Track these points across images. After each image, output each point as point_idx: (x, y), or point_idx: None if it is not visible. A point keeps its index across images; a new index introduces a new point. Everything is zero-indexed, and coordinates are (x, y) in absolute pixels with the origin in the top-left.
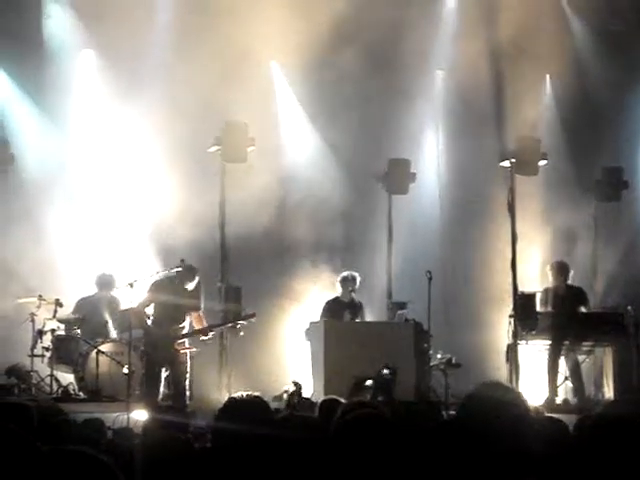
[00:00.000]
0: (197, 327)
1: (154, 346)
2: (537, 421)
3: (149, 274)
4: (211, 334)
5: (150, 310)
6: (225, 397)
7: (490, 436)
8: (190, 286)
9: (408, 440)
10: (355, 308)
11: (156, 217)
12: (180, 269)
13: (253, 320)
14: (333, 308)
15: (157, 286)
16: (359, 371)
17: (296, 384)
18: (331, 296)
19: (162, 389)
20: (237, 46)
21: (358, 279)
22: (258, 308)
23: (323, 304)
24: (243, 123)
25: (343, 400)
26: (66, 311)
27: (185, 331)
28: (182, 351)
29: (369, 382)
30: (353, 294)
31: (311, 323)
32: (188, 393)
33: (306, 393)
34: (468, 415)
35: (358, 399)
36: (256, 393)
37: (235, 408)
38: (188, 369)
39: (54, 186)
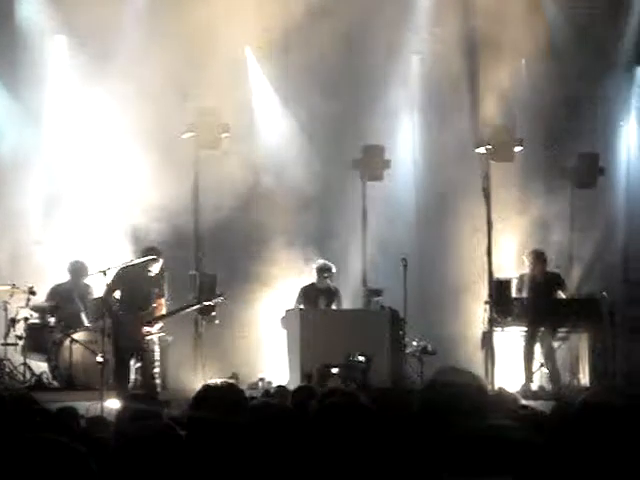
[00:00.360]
0: (158, 314)
1: (121, 333)
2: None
3: (121, 262)
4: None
5: (117, 296)
6: (200, 385)
7: (452, 418)
8: (155, 268)
9: (383, 427)
10: (330, 294)
11: (129, 205)
12: (147, 256)
13: (222, 299)
14: (308, 294)
15: (121, 273)
16: (331, 358)
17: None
18: (306, 282)
19: (133, 377)
20: (210, 31)
21: (334, 269)
22: (233, 295)
23: (298, 290)
24: (216, 109)
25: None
26: (39, 299)
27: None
28: (149, 337)
29: (335, 370)
30: (328, 280)
31: (287, 311)
32: (159, 381)
33: (282, 381)
34: (428, 401)
35: (332, 387)
36: (231, 380)
37: (210, 396)
38: (157, 356)
39: (27, 172)
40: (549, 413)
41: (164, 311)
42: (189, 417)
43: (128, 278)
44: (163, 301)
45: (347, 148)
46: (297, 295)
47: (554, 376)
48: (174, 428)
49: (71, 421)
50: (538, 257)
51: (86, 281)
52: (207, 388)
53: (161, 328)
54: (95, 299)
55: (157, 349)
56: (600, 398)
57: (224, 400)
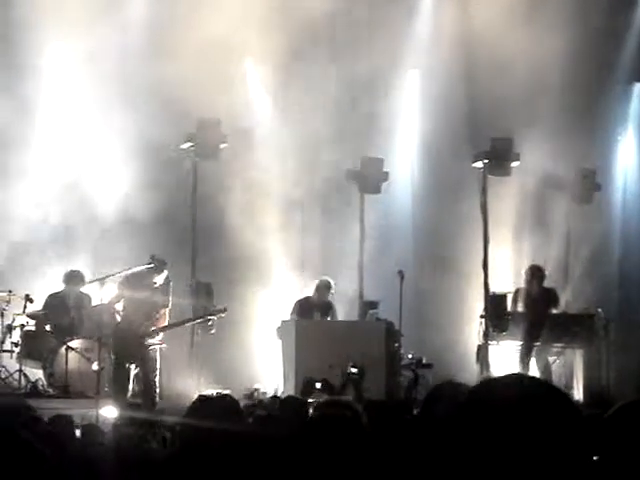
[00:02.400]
0: (161, 324)
1: (123, 342)
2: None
3: (120, 271)
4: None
5: (120, 306)
6: (195, 395)
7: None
8: (159, 279)
9: (377, 438)
10: (325, 308)
11: (127, 213)
12: (150, 265)
13: (223, 315)
14: (303, 307)
15: (127, 282)
16: (326, 370)
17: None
18: (302, 296)
19: (131, 386)
20: (210, 41)
21: (333, 286)
22: (229, 306)
23: (293, 303)
24: (216, 120)
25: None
26: (36, 307)
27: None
28: (151, 348)
29: (318, 385)
30: (326, 298)
31: (282, 322)
32: (158, 390)
33: (277, 391)
34: (427, 413)
35: (331, 398)
36: (226, 391)
37: (205, 406)
38: (157, 366)
39: (21, 174)
40: None
41: (166, 321)
42: (183, 427)
43: (132, 287)
44: (167, 311)
45: (346, 160)
46: (292, 308)
47: None
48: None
49: (66, 430)
50: (535, 273)
51: (83, 290)
52: (202, 398)
53: (162, 339)
54: (93, 307)
55: (158, 358)
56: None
57: (219, 410)
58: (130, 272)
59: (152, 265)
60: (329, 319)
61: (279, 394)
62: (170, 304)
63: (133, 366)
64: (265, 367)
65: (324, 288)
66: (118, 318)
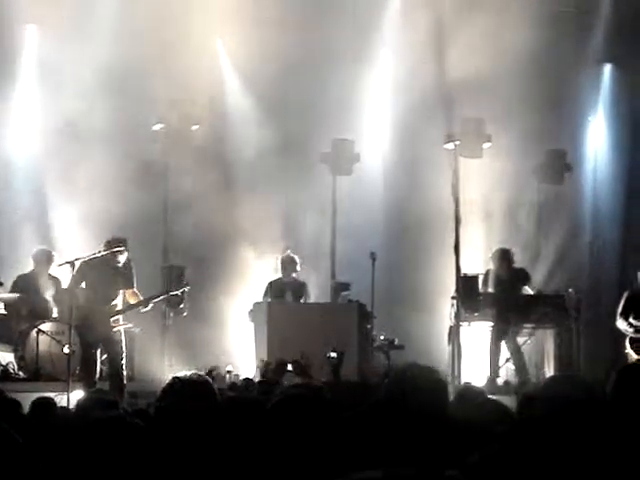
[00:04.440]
0: (133, 302)
1: (88, 325)
2: (471, 399)
3: (89, 254)
4: (150, 306)
5: (83, 289)
6: (167, 377)
7: (412, 408)
8: (121, 258)
9: (345, 419)
10: (298, 288)
11: (99, 198)
12: (117, 247)
13: (187, 288)
14: (275, 288)
15: (87, 264)
16: (298, 352)
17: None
18: (274, 277)
19: (100, 368)
20: (182, 21)
21: (298, 261)
22: (201, 288)
23: (265, 284)
24: (187, 101)
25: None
26: (6, 290)
27: (119, 308)
28: (117, 329)
29: (290, 367)
30: (294, 274)
31: (254, 304)
32: (126, 372)
33: (249, 373)
34: (393, 395)
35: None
36: (200, 372)
37: (179, 388)
38: (124, 348)
39: None
40: (516, 406)
41: (140, 299)
42: (157, 408)
43: (93, 269)
44: (134, 292)
45: (317, 141)
46: (264, 289)
47: (521, 371)
48: (125, 418)
49: (47, 412)
50: (502, 256)
51: (53, 272)
52: (176, 380)
53: (130, 321)
54: (63, 290)
55: (124, 340)
56: (561, 389)
57: (192, 392)
58: (93, 254)
59: (120, 248)
60: (302, 300)
61: (252, 377)
62: (135, 285)
63: (100, 349)
64: (237, 350)
65: (289, 262)
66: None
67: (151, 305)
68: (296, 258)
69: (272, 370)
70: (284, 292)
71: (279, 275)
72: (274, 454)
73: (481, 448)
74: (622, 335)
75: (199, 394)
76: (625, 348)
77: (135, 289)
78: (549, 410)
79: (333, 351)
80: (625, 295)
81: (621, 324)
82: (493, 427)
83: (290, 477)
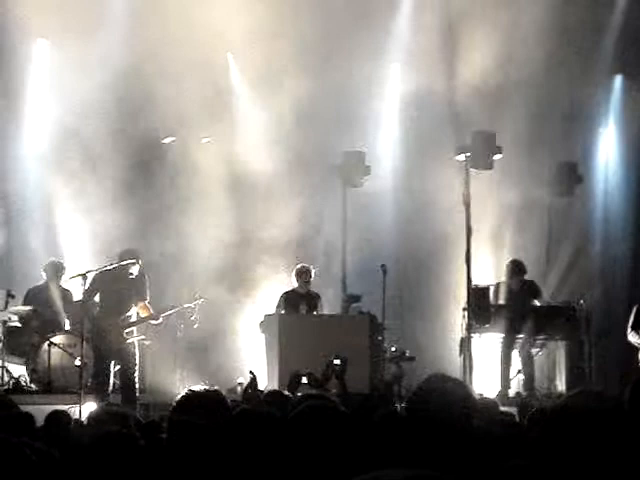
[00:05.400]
0: (144, 315)
1: (101, 337)
2: (485, 411)
3: (100, 266)
4: (161, 318)
5: (97, 301)
6: (179, 390)
7: (438, 424)
8: (134, 270)
9: (359, 431)
10: (312, 299)
11: (109, 210)
12: (124, 258)
13: (200, 302)
14: (289, 300)
15: (100, 276)
16: (309, 364)
17: (252, 373)
18: (287, 288)
19: (113, 381)
20: (191, 36)
21: (313, 271)
22: (212, 299)
23: (279, 296)
24: (199, 114)
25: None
26: (18, 302)
27: (132, 320)
28: (130, 341)
29: (305, 379)
30: (309, 286)
31: (265, 316)
32: (138, 385)
33: (260, 386)
34: (417, 406)
35: (310, 392)
36: (215, 387)
37: (193, 401)
38: (137, 360)
39: (8, 176)
40: (527, 418)
41: (151, 312)
42: (170, 421)
43: (107, 281)
44: (147, 304)
45: (328, 154)
46: (278, 301)
47: (527, 382)
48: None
49: (62, 425)
50: (514, 268)
51: (65, 284)
52: (190, 393)
53: (144, 333)
54: (75, 302)
55: (137, 353)
56: (578, 402)
57: (206, 405)
58: (105, 266)
59: (132, 260)
60: (316, 312)
61: (263, 389)
62: (148, 296)
63: (113, 361)
64: (249, 362)
65: (304, 273)
66: (95, 313)
67: (162, 318)
68: (311, 269)
69: (287, 384)
70: (299, 304)
71: (292, 287)
72: (295, 466)
73: (497, 459)
74: (632, 347)
75: (212, 407)
76: (637, 362)
77: (147, 302)
78: (578, 424)
79: (336, 358)
80: (635, 308)
81: (632, 337)
82: (505, 439)
83: None
